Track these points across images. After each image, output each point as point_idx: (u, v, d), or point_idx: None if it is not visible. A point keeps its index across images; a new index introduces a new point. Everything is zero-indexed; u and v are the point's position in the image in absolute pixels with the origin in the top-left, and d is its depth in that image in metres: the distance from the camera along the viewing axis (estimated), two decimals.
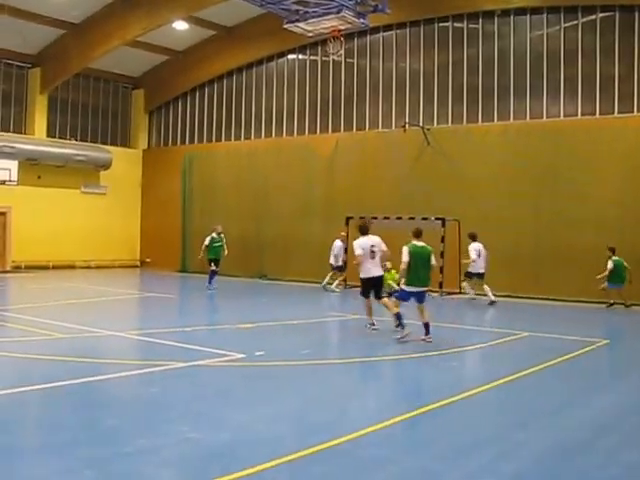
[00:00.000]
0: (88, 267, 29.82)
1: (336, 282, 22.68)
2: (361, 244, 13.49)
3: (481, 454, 6.43)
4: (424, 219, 22.07)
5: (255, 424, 7.17)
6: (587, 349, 12.28)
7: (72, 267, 29.26)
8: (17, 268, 27.25)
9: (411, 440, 6.84)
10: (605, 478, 5.87)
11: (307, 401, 8.41)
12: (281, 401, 8.30)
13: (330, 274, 22.47)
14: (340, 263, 22.26)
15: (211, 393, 8.69)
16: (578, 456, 6.42)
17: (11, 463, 5.81)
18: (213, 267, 21.45)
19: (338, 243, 22.36)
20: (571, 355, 11.57)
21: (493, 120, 23.33)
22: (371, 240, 13.56)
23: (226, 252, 21.88)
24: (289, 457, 6.00)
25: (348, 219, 23.23)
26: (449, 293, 21.86)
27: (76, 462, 5.84)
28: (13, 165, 26.45)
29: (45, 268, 28.17)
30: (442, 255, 21.81)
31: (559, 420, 7.71)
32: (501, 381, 9.43)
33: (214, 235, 21.56)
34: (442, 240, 21.85)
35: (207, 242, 21.45)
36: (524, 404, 8.43)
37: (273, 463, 5.83)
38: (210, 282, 21.29)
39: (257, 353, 10.87)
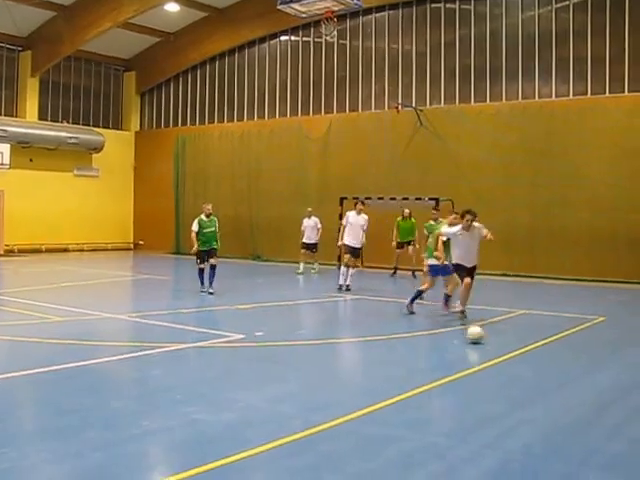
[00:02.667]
0: (81, 250, 29.77)
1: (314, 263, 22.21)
2: None
3: (487, 430, 6.52)
4: (418, 199, 22.17)
5: (260, 404, 7.24)
6: (584, 326, 12.40)
7: (65, 250, 29.20)
8: (10, 252, 27.18)
9: (416, 418, 6.91)
10: (610, 453, 5.97)
11: (309, 380, 8.49)
12: (284, 381, 8.38)
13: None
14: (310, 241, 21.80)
15: (213, 374, 8.76)
16: (583, 432, 6.53)
17: (19, 448, 5.83)
18: (199, 263, 16.34)
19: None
20: (569, 332, 11.70)
21: (485, 100, 23.33)
22: None
23: (218, 243, 16.53)
24: (296, 436, 6.08)
25: (342, 199, 23.27)
26: None
27: (84, 445, 5.89)
28: (5, 148, 26.20)
29: (38, 251, 28.11)
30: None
31: (563, 396, 7.81)
32: (502, 358, 9.55)
33: (203, 217, 16.44)
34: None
35: (195, 227, 16.28)
36: (527, 381, 8.54)
37: (280, 442, 5.91)
38: (202, 283, 16.36)
39: (256, 333, 10.93)
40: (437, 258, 12.97)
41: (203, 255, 16.21)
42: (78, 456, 5.64)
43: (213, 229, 16.34)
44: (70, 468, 5.43)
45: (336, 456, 5.80)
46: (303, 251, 21.68)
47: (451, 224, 13.00)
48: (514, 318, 13.36)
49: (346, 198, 23.44)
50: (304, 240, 21.72)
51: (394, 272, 21.10)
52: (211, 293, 15.93)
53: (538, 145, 21.44)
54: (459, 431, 6.48)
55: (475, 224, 12.36)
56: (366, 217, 17.27)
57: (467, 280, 12.36)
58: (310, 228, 21.67)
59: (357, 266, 18.25)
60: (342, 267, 17.23)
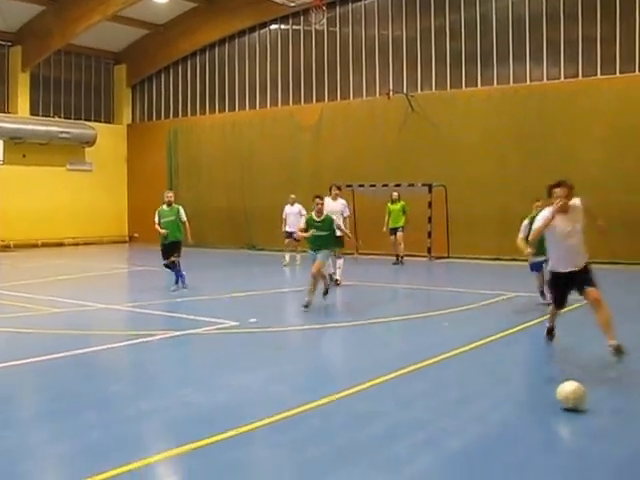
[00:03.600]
0: (77, 244, 29.83)
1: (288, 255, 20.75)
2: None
3: (470, 406, 6.72)
4: (410, 185, 22.29)
5: (251, 386, 7.41)
6: (577, 305, 12.44)
7: (61, 245, 29.26)
8: (6, 247, 27.24)
9: (403, 395, 7.09)
10: (591, 424, 6.15)
11: (301, 363, 8.66)
12: (276, 364, 8.52)
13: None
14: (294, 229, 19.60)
15: (208, 359, 8.91)
16: (559, 409, 6.67)
17: (21, 429, 6.06)
18: (164, 260, 15.24)
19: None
20: (563, 311, 11.74)
21: (477, 85, 23.39)
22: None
23: (189, 234, 15.20)
24: (287, 413, 6.26)
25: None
26: (437, 257, 22.08)
27: (81, 425, 6.10)
28: None
29: (34, 246, 28.17)
30: (430, 220, 22.09)
31: (549, 371, 8.00)
32: (492, 338, 9.72)
33: (163, 207, 15.21)
34: (429, 206, 22.09)
35: (156, 219, 15.09)
36: (512, 360, 8.73)
37: (272, 420, 6.09)
38: (177, 279, 15.11)
39: (250, 320, 11.04)
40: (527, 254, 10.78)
41: (164, 249, 15.12)
42: (77, 435, 5.85)
43: (173, 218, 14.94)
44: (70, 446, 5.63)
45: (325, 430, 5.99)
46: (287, 241, 20.52)
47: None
48: (506, 301, 13.48)
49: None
50: (287, 229, 20.58)
51: (396, 260, 20.90)
52: (174, 290, 14.77)
53: (530, 128, 21.48)
54: (444, 407, 6.68)
55: (576, 201, 8.30)
56: (344, 202, 16.34)
57: (592, 292, 8.12)
58: (293, 215, 20.53)
59: (349, 254, 17.38)
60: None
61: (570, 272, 8.16)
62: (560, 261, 8.19)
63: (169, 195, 15.33)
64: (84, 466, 5.13)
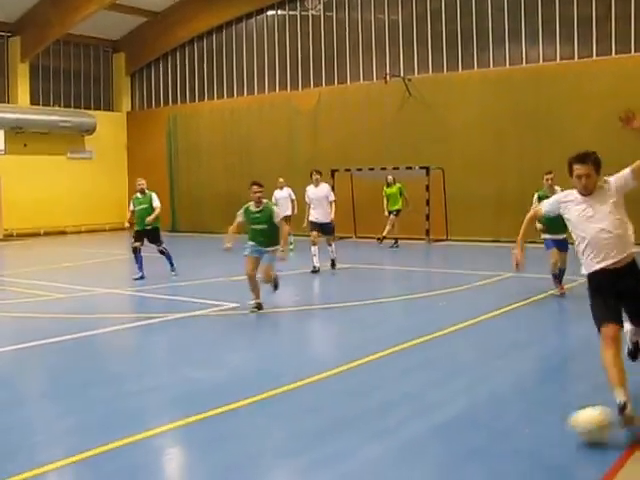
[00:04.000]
0: (79, 232, 30.04)
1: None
2: None
3: (461, 379, 7.01)
4: (408, 168, 22.46)
5: (251, 363, 7.72)
6: (571, 285, 12.70)
7: (63, 233, 29.47)
8: (9, 236, 27.48)
9: (397, 370, 7.36)
10: (574, 393, 6.40)
11: (298, 342, 8.96)
12: (275, 343, 8.82)
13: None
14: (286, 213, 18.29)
15: (208, 339, 9.19)
16: (550, 378, 6.99)
17: (30, 406, 6.47)
18: (134, 243, 15.12)
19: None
20: (552, 292, 11.99)
21: (473, 67, 23.49)
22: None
23: (151, 217, 14.81)
24: (283, 388, 6.55)
25: (333, 172, 23.54)
26: (435, 240, 22.28)
27: (87, 401, 6.44)
28: None
29: (37, 235, 28.40)
30: (427, 203, 22.29)
31: (538, 347, 8.26)
32: (485, 317, 9.97)
33: (137, 195, 15.09)
34: (427, 189, 22.27)
35: (131, 206, 15.25)
36: (505, 337, 8.95)
37: (268, 394, 6.39)
38: (139, 267, 15.02)
39: (250, 302, 11.26)
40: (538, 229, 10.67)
41: (137, 235, 15.13)
42: (84, 410, 6.18)
43: (146, 206, 14.84)
44: (77, 420, 5.96)
45: (321, 403, 6.26)
46: None
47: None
48: (503, 281, 13.66)
49: (337, 170, 23.74)
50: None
51: (395, 243, 20.99)
52: (174, 275, 14.98)
53: (526, 110, 21.55)
54: (435, 380, 6.97)
55: (610, 181, 5.86)
56: (327, 187, 16.00)
57: None
58: (284, 200, 19.96)
59: (335, 239, 16.23)
60: (312, 247, 15.14)
61: (607, 269, 5.63)
62: (590, 258, 5.83)
63: (141, 183, 15.09)
64: (91, 438, 5.41)
